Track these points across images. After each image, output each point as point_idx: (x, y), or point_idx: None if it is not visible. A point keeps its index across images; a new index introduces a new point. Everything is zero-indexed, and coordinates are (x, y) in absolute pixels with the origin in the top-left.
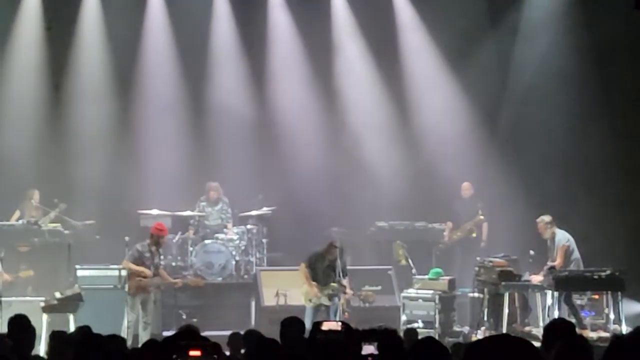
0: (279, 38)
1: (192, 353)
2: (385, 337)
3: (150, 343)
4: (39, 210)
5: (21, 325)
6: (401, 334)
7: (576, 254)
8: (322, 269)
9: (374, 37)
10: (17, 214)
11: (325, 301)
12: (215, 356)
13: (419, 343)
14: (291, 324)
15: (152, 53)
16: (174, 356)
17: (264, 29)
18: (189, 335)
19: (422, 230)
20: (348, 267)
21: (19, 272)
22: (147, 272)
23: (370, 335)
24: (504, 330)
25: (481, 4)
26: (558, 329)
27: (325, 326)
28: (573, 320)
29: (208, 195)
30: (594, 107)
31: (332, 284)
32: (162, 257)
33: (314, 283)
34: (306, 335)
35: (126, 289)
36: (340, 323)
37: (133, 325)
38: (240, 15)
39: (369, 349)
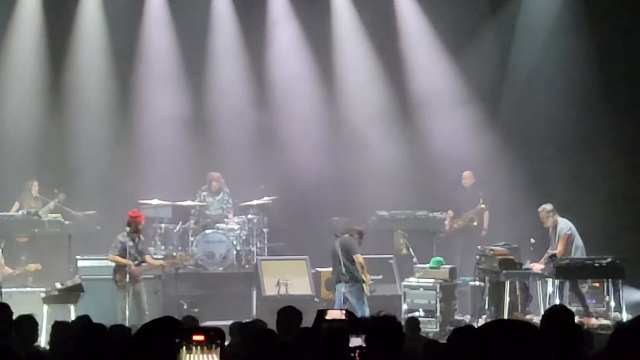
0: (280, 30)
1: (195, 337)
2: (384, 323)
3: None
4: (38, 201)
5: (28, 325)
6: (402, 323)
7: (578, 242)
8: None
9: (375, 27)
10: (16, 205)
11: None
12: (219, 341)
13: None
14: (287, 313)
15: (153, 45)
16: (177, 340)
17: (264, 20)
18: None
19: (423, 220)
20: None
21: (26, 266)
22: (131, 264)
23: (368, 323)
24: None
25: None
26: (557, 317)
27: (330, 315)
28: (575, 309)
29: (209, 185)
30: (596, 93)
31: None
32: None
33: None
34: None
35: (116, 281)
36: (344, 312)
37: (129, 317)
38: (241, 9)
39: (356, 341)
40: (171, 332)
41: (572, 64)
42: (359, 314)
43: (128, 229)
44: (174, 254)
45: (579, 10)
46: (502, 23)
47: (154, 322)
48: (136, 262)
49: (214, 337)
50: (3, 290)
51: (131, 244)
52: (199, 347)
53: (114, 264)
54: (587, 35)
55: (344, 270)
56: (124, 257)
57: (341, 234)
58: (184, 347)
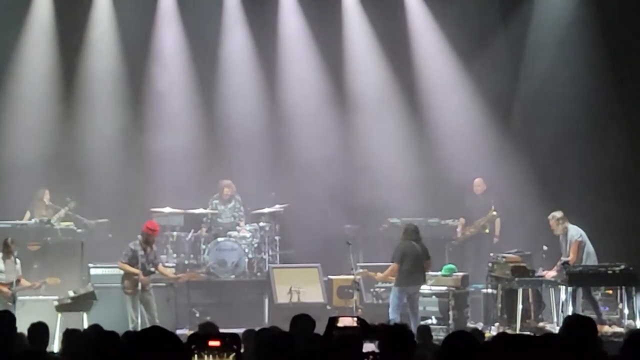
0: (291, 37)
1: (211, 343)
2: (395, 331)
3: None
4: (49, 209)
5: (39, 332)
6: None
7: (589, 248)
8: None
9: (386, 34)
10: (27, 214)
11: None
12: (235, 347)
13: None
14: (301, 321)
15: (163, 52)
16: (193, 346)
17: (275, 28)
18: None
19: (435, 227)
20: (361, 264)
21: (45, 279)
22: (139, 272)
23: (379, 330)
24: (518, 326)
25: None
26: (577, 326)
27: (341, 322)
28: (592, 316)
29: (221, 193)
30: (607, 101)
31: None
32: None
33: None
34: None
35: (123, 288)
36: (356, 319)
37: (139, 325)
38: (251, 14)
39: (370, 346)
40: (159, 342)
41: (585, 70)
42: (416, 315)
43: (140, 237)
44: (186, 261)
45: (592, 16)
46: (514, 29)
47: (142, 332)
48: (145, 272)
49: (229, 342)
50: (17, 297)
51: (142, 252)
52: (210, 355)
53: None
54: (600, 42)
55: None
56: (134, 265)
57: (413, 238)
58: (195, 354)
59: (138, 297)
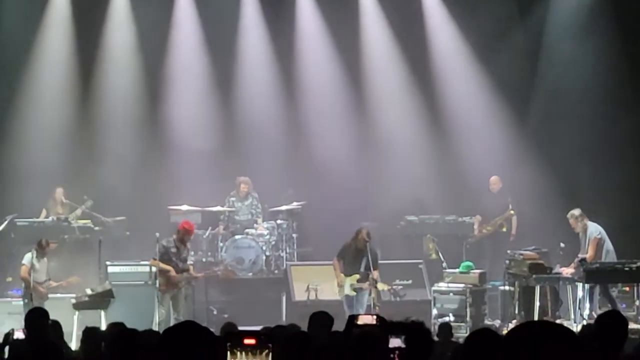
0: (308, 34)
1: (246, 341)
2: (413, 329)
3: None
4: (65, 207)
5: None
6: (432, 327)
7: (608, 246)
8: (349, 260)
9: (403, 32)
10: (43, 212)
11: (348, 291)
12: (270, 345)
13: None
14: (319, 318)
15: (181, 50)
16: (228, 344)
17: (292, 26)
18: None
19: (452, 224)
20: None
21: (66, 279)
22: (173, 270)
23: (398, 328)
24: None
25: None
26: (611, 322)
27: (361, 320)
28: None
29: (238, 190)
30: (625, 98)
31: (355, 274)
32: (190, 252)
33: (341, 274)
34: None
35: (157, 285)
36: (375, 317)
37: (164, 322)
38: (269, 14)
39: (396, 342)
40: (192, 336)
41: (605, 63)
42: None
43: (175, 235)
44: (203, 259)
45: (608, 12)
46: (532, 24)
47: (176, 326)
48: (177, 269)
49: (264, 340)
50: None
51: (174, 250)
52: (244, 352)
53: (143, 270)
54: (616, 37)
55: None
56: (166, 262)
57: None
58: (229, 352)
59: (169, 295)
